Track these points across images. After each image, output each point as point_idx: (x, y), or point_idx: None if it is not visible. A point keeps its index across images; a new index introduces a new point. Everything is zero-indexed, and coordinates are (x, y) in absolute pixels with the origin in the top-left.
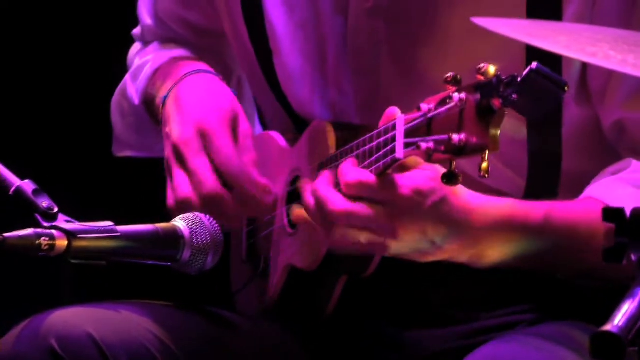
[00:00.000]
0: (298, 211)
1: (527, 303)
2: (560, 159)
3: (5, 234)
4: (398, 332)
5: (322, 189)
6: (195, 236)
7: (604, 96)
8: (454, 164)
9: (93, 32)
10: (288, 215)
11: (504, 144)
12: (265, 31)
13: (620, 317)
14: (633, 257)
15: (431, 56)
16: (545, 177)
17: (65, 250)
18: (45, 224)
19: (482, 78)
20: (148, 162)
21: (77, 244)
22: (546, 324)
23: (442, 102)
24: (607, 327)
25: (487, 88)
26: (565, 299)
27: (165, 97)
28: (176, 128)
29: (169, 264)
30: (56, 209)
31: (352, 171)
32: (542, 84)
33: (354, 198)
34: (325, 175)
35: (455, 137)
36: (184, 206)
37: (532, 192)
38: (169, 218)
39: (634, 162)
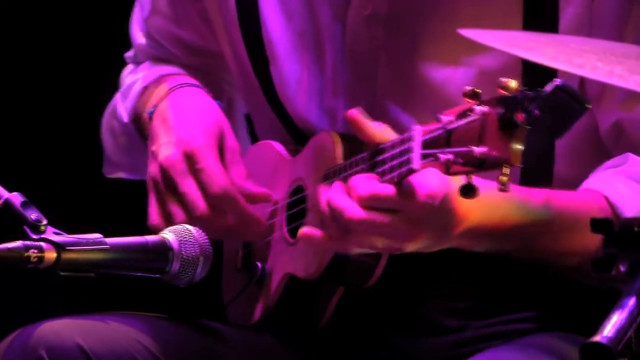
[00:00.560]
0: (307, 230)
1: (519, 313)
2: (553, 163)
3: None
4: (390, 342)
5: (337, 197)
6: (185, 248)
7: (601, 98)
8: (472, 177)
9: (85, 49)
10: (288, 224)
11: None
12: (262, 39)
13: (609, 328)
14: (622, 268)
15: (430, 63)
16: (537, 182)
17: (54, 262)
18: (34, 236)
19: (504, 92)
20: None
21: (66, 256)
22: (537, 334)
23: (463, 115)
24: (597, 338)
25: (511, 102)
26: (557, 309)
27: (152, 112)
28: (162, 149)
29: (158, 275)
30: (45, 222)
31: (368, 184)
32: (565, 100)
33: (369, 207)
34: (339, 185)
35: (476, 149)
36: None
37: None
38: (157, 230)
39: (632, 156)
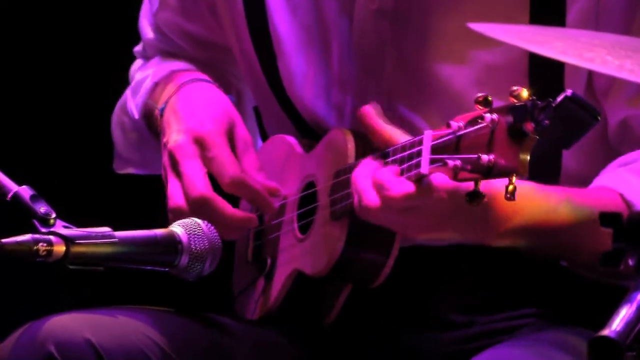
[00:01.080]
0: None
1: (526, 308)
2: (560, 159)
3: (3, 240)
4: (398, 337)
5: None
6: (194, 242)
7: (608, 94)
8: (479, 183)
9: (93, 43)
10: (298, 220)
11: None
12: (269, 34)
13: (618, 322)
14: (630, 262)
15: (436, 58)
16: (545, 178)
17: (63, 255)
18: (43, 230)
19: (514, 101)
20: None
21: (75, 249)
22: (545, 329)
23: (473, 122)
24: (605, 332)
25: (521, 111)
26: (565, 304)
27: (163, 109)
28: (172, 136)
29: (167, 269)
30: (54, 215)
31: (396, 182)
32: (576, 111)
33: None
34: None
35: (484, 157)
36: (176, 213)
37: None
38: (167, 224)
39: None
